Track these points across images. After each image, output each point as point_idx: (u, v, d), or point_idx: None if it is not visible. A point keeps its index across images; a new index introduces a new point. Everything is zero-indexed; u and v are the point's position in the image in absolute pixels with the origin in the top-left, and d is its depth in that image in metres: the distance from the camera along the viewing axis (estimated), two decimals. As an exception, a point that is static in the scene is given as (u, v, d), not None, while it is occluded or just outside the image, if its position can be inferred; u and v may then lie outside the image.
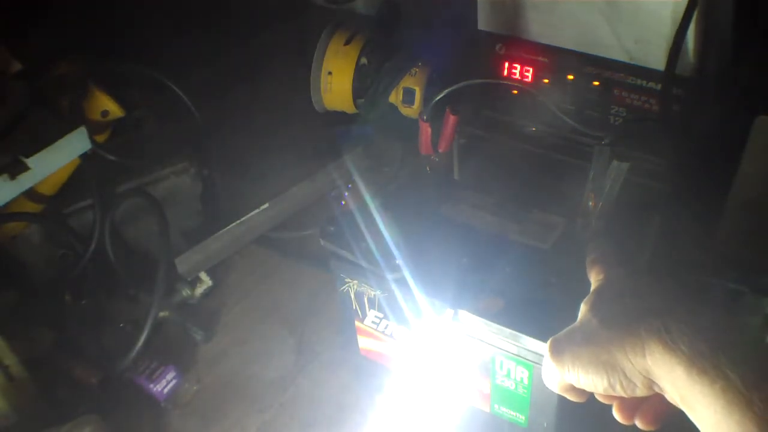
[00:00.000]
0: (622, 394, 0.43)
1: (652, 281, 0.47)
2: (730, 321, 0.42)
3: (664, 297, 0.44)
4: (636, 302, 0.45)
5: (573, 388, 0.47)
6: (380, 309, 0.68)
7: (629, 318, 0.43)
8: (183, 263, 0.89)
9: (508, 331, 0.59)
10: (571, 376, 0.45)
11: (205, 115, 1.08)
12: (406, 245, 0.64)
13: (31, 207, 0.90)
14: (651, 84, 0.76)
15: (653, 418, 0.46)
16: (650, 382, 0.41)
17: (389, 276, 0.63)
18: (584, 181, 0.65)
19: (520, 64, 0.84)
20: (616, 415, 0.47)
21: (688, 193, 0.75)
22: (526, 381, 0.62)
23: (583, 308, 0.48)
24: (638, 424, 0.46)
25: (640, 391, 0.42)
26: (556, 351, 0.47)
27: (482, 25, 0.85)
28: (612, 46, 0.76)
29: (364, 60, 1.07)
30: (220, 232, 0.92)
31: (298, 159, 1.10)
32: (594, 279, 0.52)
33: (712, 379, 0.37)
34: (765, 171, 0.66)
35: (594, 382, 0.44)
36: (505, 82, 0.85)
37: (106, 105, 0.95)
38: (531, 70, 0.84)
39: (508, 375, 0.62)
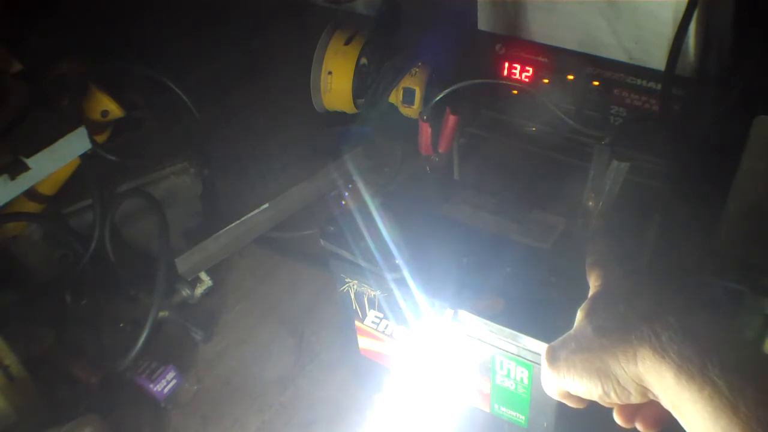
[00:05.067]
0: (617, 402, 0.44)
1: (648, 284, 0.47)
2: (720, 324, 0.42)
3: (656, 302, 0.45)
4: (629, 309, 0.45)
5: (571, 395, 0.47)
6: (380, 309, 0.68)
7: (622, 325, 0.44)
8: (183, 263, 0.89)
9: (508, 331, 0.59)
10: (567, 383, 0.46)
11: (205, 115, 1.08)
12: (406, 245, 0.64)
13: (31, 207, 0.90)
14: (651, 84, 0.76)
15: (654, 422, 0.46)
16: (644, 389, 0.42)
17: (389, 276, 0.63)
18: (584, 181, 0.65)
19: (520, 64, 0.84)
20: (617, 418, 0.47)
21: (688, 193, 0.75)
22: (526, 381, 0.62)
23: (579, 315, 0.48)
24: (639, 427, 0.46)
25: (635, 398, 0.42)
26: (552, 359, 0.47)
27: (482, 25, 0.85)
28: (612, 46, 0.77)
29: (364, 60, 1.07)
30: (220, 232, 0.92)
31: (298, 159, 1.10)
32: (592, 284, 0.52)
33: (700, 386, 0.37)
34: (765, 171, 0.66)
35: (589, 390, 0.44)
36: (505, 82, 0.86)
37: (106, 105, 0.95)
38: (531, 70, 0.84)
39: (508, 375, 0.62)
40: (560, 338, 0.48)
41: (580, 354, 0.45)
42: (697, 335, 0.40)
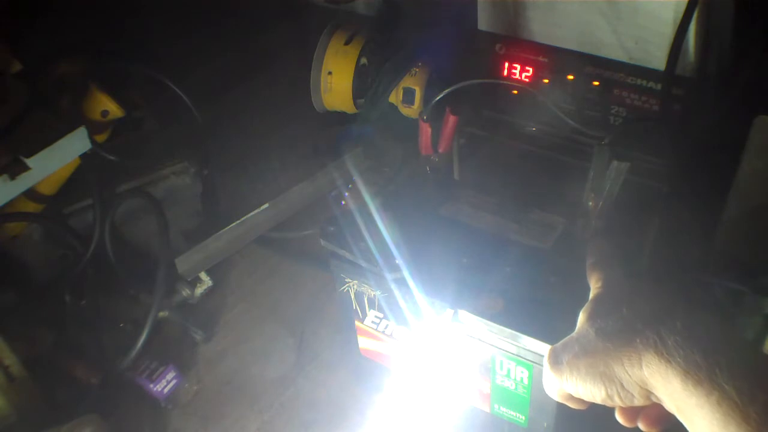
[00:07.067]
0: (621, 404, 0.44)
1: (649, 286, 0.47)
2: (725, 327, 0.42)
3: (660, 305, 0.45)
4: (632, 312, 0.45)
5: (573, 397, 0.47)
6: (380, 309, 0.68)
7: (625, 329, 0.43)
8: (183, 263, 0.89)
9: (508, 331, 0.59)
10: (570, 386, 0.46)
11: (205, 115, 1.08)
12: (406, 245, 0.64)
13: (31, 207, 0.90)
14: (651, 84, 0.76)
15: (656, 421, 0.46)
16: (648, 393, 0.42)
17: (389, 276, 0.63)
18: (584, 181, 0.65)
19: (520, 64, 0.84)
20: (619, 418, 0.47)
21: (688, 193, 0.75)
22: (526, 381, 0.62)
23: (581, 317, 0.48)
24: (641, 426, 0.46)
25: (638, 401, 0.43)
26: (555, 362, 0.47)
27: (482, 25, 0.85)
28: (612, 46, 0.77)
29: (364, 60, 1.07)
30: (220, 232, 0.92)
31: (298, 159, 1.11)
32: (593, 285, 0.52)
33: (707, 391, 0.37)
34: (765, 171, 0.66)
35: (592, 393, 0.44)
36: (505, 82, 0.86)
37: (106, 105, 0.95)
38: (531, 70, 0.84)
39: (508, 375, 0.62)
40: (562, 341, 0.48)
41: (584, 358, 0.45)
42: (701, 339, 0.40)
